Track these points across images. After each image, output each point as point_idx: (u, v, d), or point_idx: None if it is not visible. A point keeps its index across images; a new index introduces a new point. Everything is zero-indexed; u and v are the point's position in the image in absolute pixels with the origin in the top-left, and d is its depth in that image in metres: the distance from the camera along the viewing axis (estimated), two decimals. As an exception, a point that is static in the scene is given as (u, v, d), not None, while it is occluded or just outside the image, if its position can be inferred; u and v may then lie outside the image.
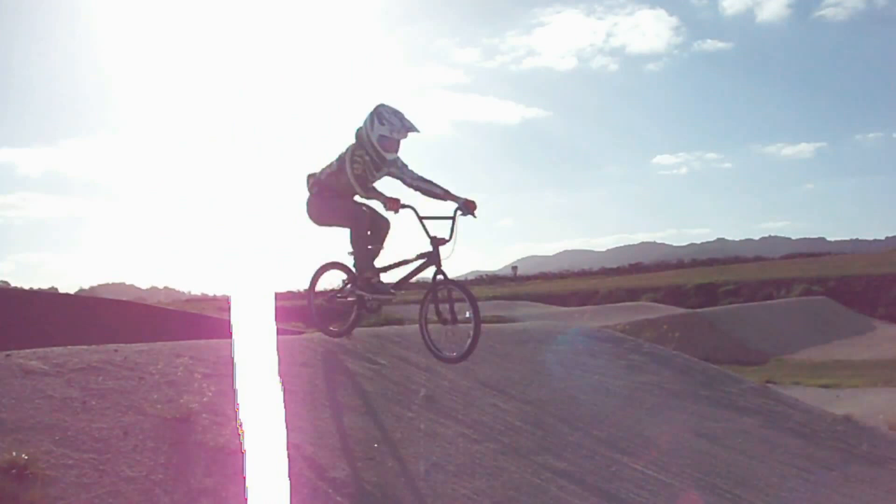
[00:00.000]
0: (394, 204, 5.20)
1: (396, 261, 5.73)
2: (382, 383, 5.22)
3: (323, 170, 5.73)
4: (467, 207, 5.37)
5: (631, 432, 5.18)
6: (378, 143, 5.42)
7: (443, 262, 5.24)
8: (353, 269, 5.63)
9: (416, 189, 5.57)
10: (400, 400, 4.98)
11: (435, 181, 5.58)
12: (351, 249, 5.60)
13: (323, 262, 5.91)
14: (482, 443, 4.72)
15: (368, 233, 5.57)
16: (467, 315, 4.98)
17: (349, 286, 5.70)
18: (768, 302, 36.09)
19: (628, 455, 5.31)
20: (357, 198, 5.55)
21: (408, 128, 5.44)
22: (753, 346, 24.76)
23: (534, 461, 4.72)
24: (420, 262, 5.40)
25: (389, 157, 5.50)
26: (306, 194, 5.80)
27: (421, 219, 5.27)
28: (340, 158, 5.58)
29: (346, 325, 5.84)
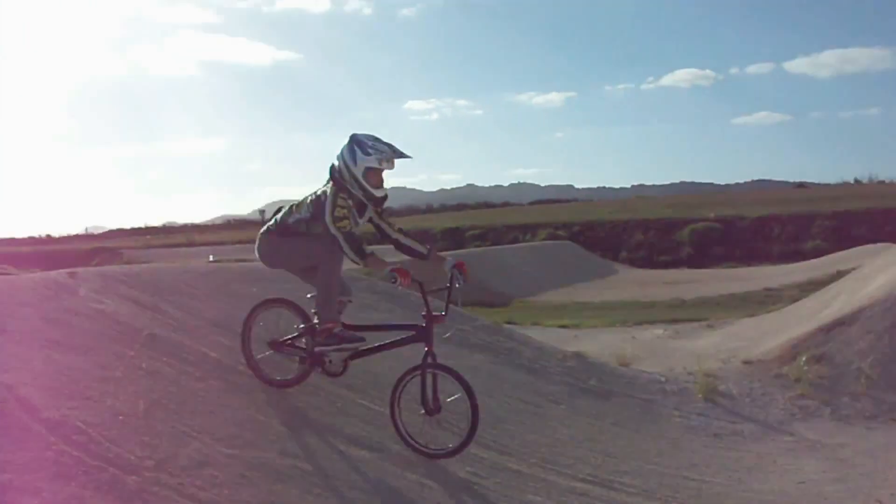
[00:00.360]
0: (405, 278, 4.48)
1: (374, 323, 5.36)
2: (105, 323, 5.13)
3: (285, 214, 4.98)
4: (461, 272, 4.87)
5: (358, 369, 5.24)
6: (365, 179, 4.73)
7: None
8: (313, 316, 4.89)
9: (394, 245, 5.02)
10: (123, 339, 4.91)
11: (411, 236, 5.08)
12: (316, 293, 4.84)
13: (265, 298, 5.23)
14: (206, 381, 4.81)
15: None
16: (448, 400, 4.62)
17: (304, 337, 4.96)
18: (513, 245, 37.48)
19: (355, 391, 5.45)
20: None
21: (398, 153, 4.79)
22: (497, 288, 25.14)
23: (257, 398, 4.88)
24: (407, 334, 4.86)
25: (379, 193, 4.83)
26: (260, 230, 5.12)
27: (425, 294, 4.70)
28: (313, 203, 4.84)
29: (295, 375, 5.10)
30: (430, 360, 4.67)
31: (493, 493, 4.61)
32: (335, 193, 4.71)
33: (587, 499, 4.74)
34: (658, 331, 13.39)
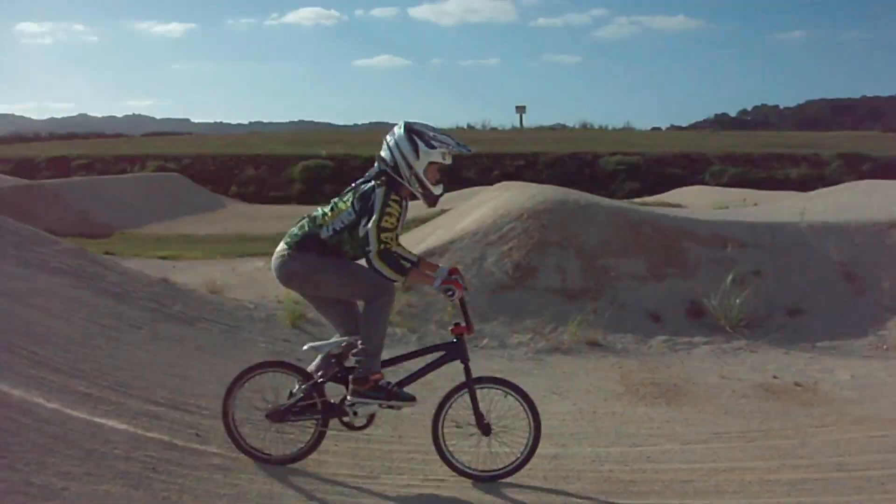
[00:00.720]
0: (461, 289, 4.18)
1: (404, 353, 4.56)
2: None
3: (312, 225, 4.21)
4: (461, 278, 4.35)
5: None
6: (426, 175, 4.15)
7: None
8: (354, 366, 4.21)
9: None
10: None
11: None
12: (360, 336, 4.19)
13: (257, 361, 4.58)
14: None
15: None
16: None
17: (315, 394, 4.25)
18: (118, 176, 35.68)
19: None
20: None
21: (460, 146, 4.24)
22: (99, 219, 24.61)
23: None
24: (439, 354, 4.42)
25: (437, 191, 4.26)
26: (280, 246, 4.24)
27: (465, 304, 4.37)
28: (357, 207, 4.12)
29: (304, 447, 4.35)
30: (471, 375, 4.38)
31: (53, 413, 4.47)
32: (387, 195, 4.08)
33: (159, 421, 4.80)
34: (259, 263, 13.80)
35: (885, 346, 8.62)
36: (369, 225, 4.04)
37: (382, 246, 4.02)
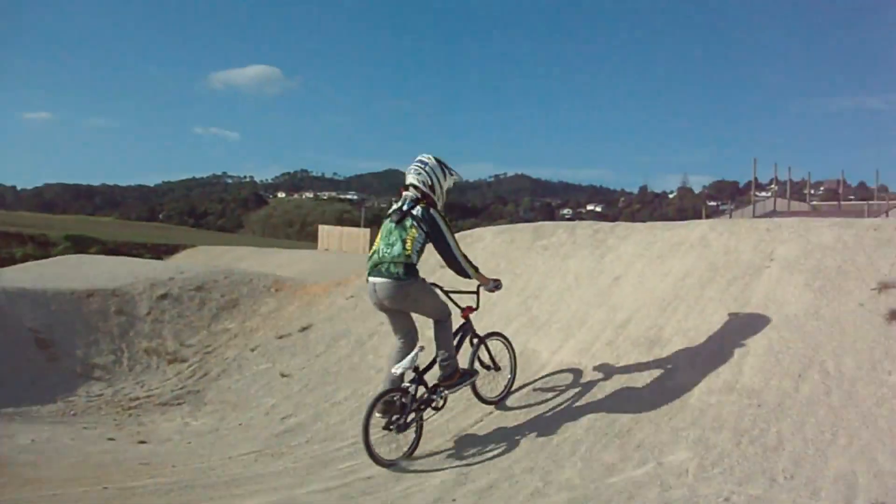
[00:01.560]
0: (499, 284, 6.31)
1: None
2: None
3: (404, 253, 5.56)
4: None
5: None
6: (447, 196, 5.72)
7: None
8: (440, 364, 5.92)
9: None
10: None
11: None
12: (440, 335, 5.87)
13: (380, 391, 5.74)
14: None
15: None
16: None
17: (423, 394, 5.87)
18: None
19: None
20: None
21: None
22: None
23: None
24: (460, 334, 6.22)
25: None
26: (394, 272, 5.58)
27: (448, 293, 6.12)
28: (422, 232, 5.60)
29: (415, 441, 5.96)
30: (478, 335, 6.45)
31: None
32: (441, 215, 5.60)
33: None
34: None
35: (73, 412, 8.62)
36: (450, 242, 5.63)
37: (463, 253, 5.68)
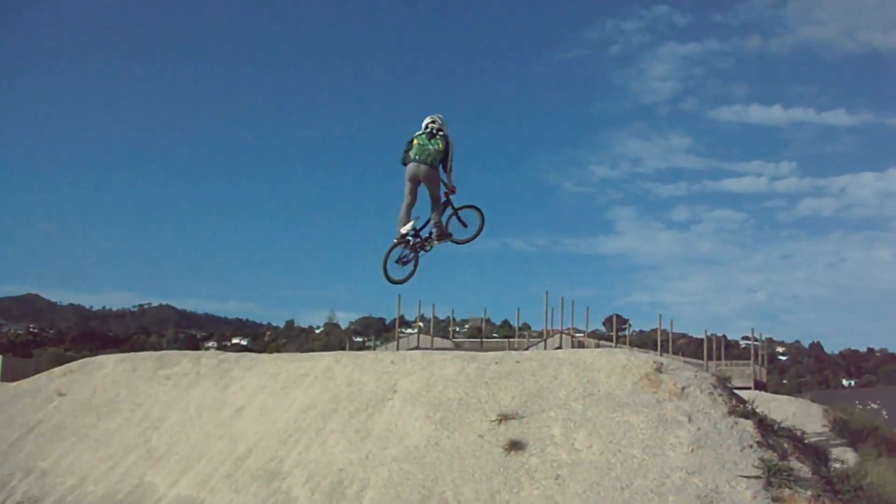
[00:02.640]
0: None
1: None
2: None
3: (429, 154, 8.87)
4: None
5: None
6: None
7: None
8: (434, 224, 9.06)
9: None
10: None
11: None
12: (437, 208, 9.04)
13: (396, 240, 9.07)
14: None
15: None
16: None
17: (429, 237, 9.13)
18: None
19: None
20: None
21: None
22: None
23: None
24: (447, 207, 9.27)
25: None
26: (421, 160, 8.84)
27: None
28: (436, 151, 8.88)
29: (414, 268, 9.26)
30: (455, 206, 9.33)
31: None
32: (452, 143, 9.07)
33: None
34: None
35: None
36: (452, 158, 9.00)
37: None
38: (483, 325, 32.85)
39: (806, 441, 8.95)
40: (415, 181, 9.01)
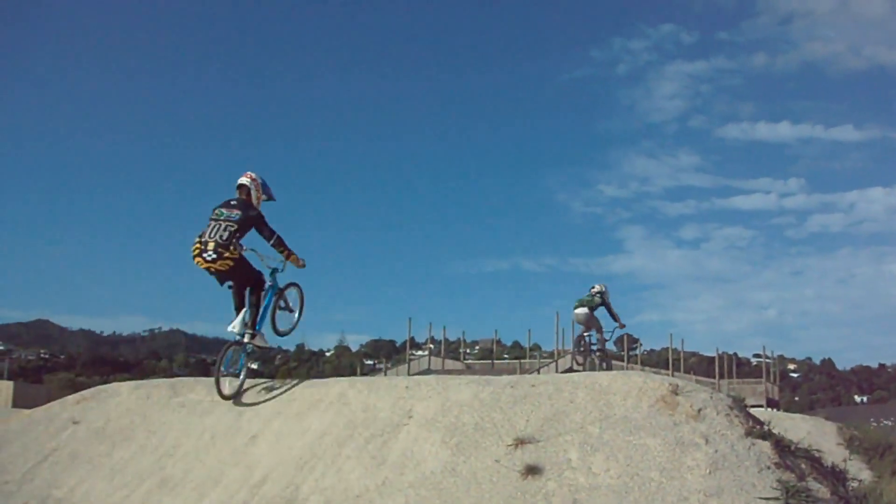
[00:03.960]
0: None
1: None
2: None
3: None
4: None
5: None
6: None
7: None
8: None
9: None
10: None
11: None
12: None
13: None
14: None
15: None
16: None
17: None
18: None
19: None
20: None
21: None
22: None
23: None
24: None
25: None
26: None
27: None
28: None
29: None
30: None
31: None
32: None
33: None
34: None
35: None
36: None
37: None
38: (494, 347, 32.83)
39: (823, 461, 8.88)
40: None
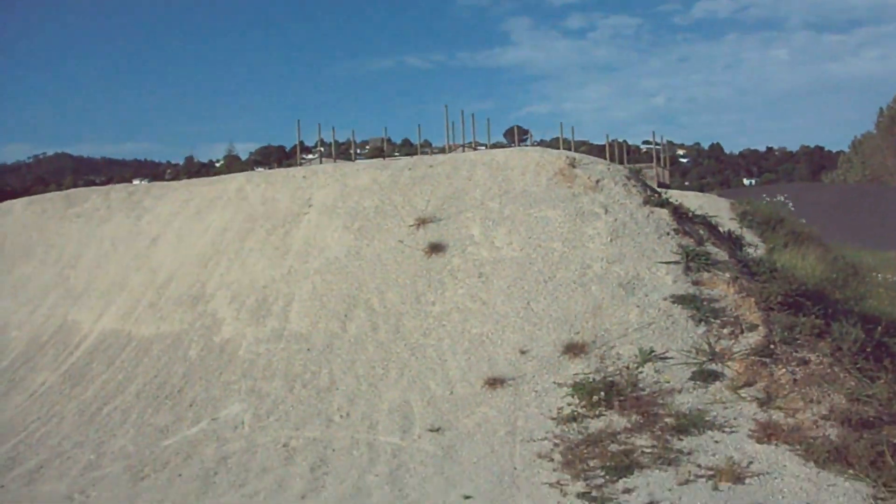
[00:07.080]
0: None
1: None
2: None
3: None
4: None
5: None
6: None
7: None
8: None
9: None
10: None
11: None
12: None
13: None
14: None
15: None
16: None
17: None
18: None
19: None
20: None
21: None
22: None
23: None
24: None
25: None
26: None
27: None
28: None
29: None
30: None
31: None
32: None
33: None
34: None
35: None
36: None
37: None
38: (384, 145, 32.38)
39: (720, 228, 9.47)
40: None
